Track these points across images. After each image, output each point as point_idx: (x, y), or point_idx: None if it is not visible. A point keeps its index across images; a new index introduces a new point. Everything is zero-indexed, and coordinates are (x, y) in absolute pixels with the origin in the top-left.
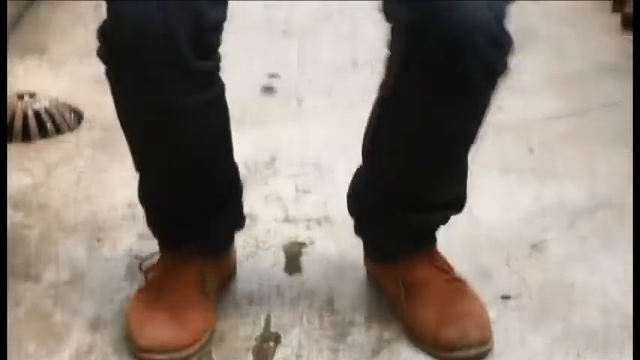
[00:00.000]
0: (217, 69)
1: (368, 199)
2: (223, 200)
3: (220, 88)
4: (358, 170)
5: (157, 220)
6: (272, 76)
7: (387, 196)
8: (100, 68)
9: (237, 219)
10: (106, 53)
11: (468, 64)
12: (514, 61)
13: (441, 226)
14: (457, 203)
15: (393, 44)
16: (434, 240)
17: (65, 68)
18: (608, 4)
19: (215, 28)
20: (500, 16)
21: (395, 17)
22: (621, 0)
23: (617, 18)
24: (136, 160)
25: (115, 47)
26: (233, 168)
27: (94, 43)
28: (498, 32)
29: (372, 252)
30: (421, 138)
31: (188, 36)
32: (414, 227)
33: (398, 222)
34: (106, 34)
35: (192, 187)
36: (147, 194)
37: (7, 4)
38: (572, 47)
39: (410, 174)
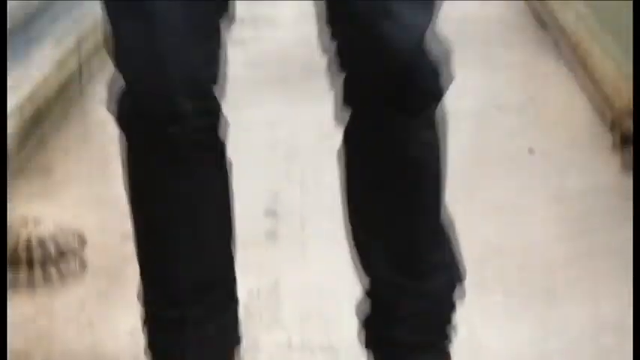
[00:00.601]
0: (217, 121)
1: (366, 290)
2: (220, 289)
3: (221, 148)
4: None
5: (155, 327)
6: (274, 201)
7: (379, 264)
8: (105, 190)
9: (234, 330)
10: (114, 110)
11: (411, 88)
12: (514, 184)
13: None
14: (450, 268)
15: (342, 88)
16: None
17: (70, 191)
18: (609, 138)
19: (212, 80)
20: (430, 38)
21: (338, 54)
22: (622, 140)
23: (617, 136)
24: (137, 233)
25: (123, 105)
26: (231, 258)
27: (99, 165)
28: (432, 54)
29: None
30: (387, 174)
31: (186, 92)
32: (417, 309)
33: (400, 299)
34: (114, 91)
35: (188, 263)
36: (146, 293)
37: (13, 125)
38: (573, 168)
39: (390, 225)
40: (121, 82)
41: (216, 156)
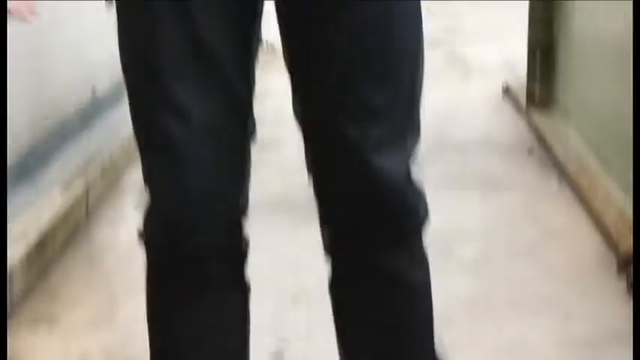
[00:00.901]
0: (245, 259)
1: None
2: None
3: (245, 287)
4: None
5: None
6: (281, 344)
7: None
8: (110, 339)
9: None
10: (143, 236)
11: (401, 216)
12: (518, 329)
13: None
14: None
15: (328, 215)
16: None
17: (76, 340)
18: (613, 263)
19: (242, 213)
20: (412, 171)
21: (323, 183)
22: (625, 261)
23: (623, 279)
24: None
25: (153, 235)
26: None
27: (105, 314)
28: (416, 181)
29: None
30: (378, 303)
31: (217, 232)
32: None
33: None
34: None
35: None
36: None
37: (19, 274)
38: (578, 311)
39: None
40: (152, 213)
41: (239, 293)
